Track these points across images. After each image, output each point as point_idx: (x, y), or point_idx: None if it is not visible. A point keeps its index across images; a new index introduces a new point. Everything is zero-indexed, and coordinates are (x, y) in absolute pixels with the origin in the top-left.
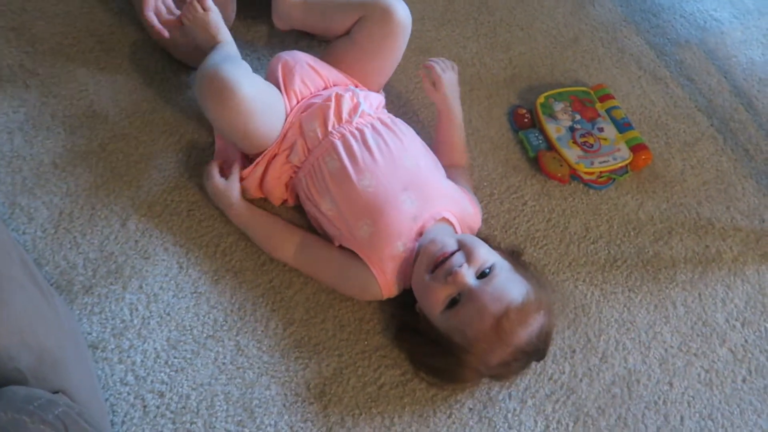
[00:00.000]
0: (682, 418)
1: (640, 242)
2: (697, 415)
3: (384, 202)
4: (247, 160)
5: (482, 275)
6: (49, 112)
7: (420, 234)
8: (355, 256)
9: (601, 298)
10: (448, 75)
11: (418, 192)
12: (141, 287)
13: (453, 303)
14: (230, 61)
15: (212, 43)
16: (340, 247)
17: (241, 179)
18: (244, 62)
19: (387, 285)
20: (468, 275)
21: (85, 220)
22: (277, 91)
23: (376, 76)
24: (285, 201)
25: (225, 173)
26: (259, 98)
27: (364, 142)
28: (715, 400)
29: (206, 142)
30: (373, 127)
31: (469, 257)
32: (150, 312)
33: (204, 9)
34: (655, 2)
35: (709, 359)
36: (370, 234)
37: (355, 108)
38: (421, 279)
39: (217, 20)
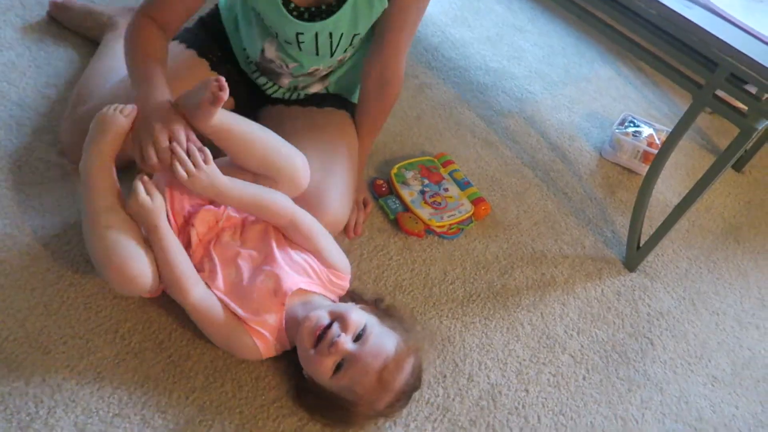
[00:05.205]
0: (539, 417)
1: (489, 278)
2: (551, 412)
3: (249, 286)
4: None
5: (358, 337)
6: None
7: (283, 305)
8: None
9: (462, 328)
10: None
11: (271, 272)
12: (44, 380)
13: (338, 367)
14: None
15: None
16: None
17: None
18: None
19: (267, 349)
20: (347, 342)
21: None
22: None
23: None
24: None
25: (150, 192)
26: None
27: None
28: (564, 398)
29: None
30: (233, 229)
31: (343, 325)
32: (55, 401)
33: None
34: (480, 82)
35: (555, 365)
36: (249, 312)
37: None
38: (307, 354)
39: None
